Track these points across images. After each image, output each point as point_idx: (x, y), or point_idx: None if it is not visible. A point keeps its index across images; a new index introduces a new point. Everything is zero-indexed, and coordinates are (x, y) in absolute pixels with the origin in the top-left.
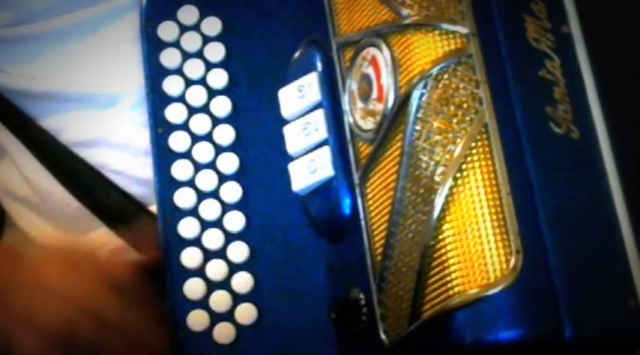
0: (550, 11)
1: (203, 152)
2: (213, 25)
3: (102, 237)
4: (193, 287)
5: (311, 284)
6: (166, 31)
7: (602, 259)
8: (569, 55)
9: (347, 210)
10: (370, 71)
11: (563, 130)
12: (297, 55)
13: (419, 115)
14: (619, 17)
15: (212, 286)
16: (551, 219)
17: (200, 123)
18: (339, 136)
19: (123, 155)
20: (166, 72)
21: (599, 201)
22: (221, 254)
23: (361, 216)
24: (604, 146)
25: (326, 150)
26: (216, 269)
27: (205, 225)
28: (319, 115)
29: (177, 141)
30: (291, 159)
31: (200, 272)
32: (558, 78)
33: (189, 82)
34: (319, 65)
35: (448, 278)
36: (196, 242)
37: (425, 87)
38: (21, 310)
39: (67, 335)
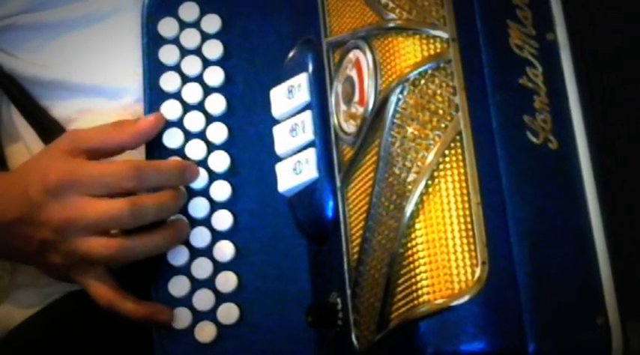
0: (536, 18)
1: (195, 150)
2: (212, 23)
3: None
4: (178, 285)
5: (294, 286)
6: (166, 27)
7: (572, 274)
8: (553, 63)
9: (329, 213)
10: (354, 74)
11: (541, 140)
12: (291, 54)
13: (395, 120)
14: (607, 26)
15: (196, 284)
16: (522, 231)
17: (194, 121)
18: (325, 138)
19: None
20: (164, 68)
21: (573, 214)
22: (207, 252)
23: (341, 219)
24: (583, 158)
25: (311, 152)
26: (201, 268)
27: (193, 223)
28: (307, 117)
29: (171, 138)
30: (280, 159)
31: (185, 270)
32: (539, 86)
33: (185, 79)
34: (310, 66)
35: (415, 288)
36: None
37: (402, 91)
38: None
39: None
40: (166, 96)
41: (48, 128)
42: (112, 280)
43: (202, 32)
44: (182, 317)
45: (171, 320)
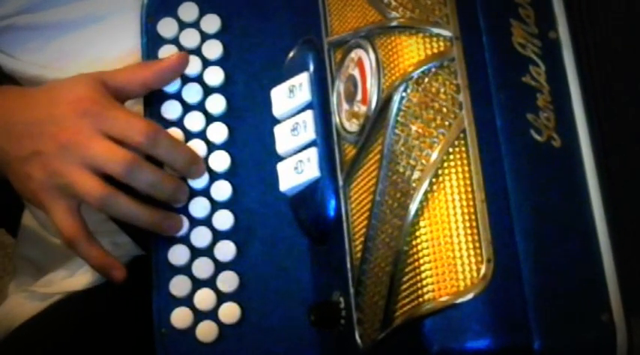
0: (538, 16)
1: (196, 149)
2: (212, 23)
3: None
4: (179, 285)
5: (295, 285)
6: (166, 27)
7: (576, 271)
8: (556, 61)
9: (331, 212)
10: (356, 73)
11: (544, 138)
12: (291, 54)
13: (399, 119)
14: (609, 24)
15: (198, 284)
16: (526, 229)
17: (194, 121)
18: (326, 137)
19: None
20: None
21: (577, 211)
22: (208, 252)
23: (344, 218)
24: (586, 156)
25: (313, 151)
26: (202, 268)
27: (194, 223)
28: (308, 116)
29: None
30: (281, 159)
31: (186, 270)
32: (542, 84)
33: (185, 79)
34: (311, 65)
35: (419, 285)
36: (184, 240)
37: (406, 90)
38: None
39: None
40: (166, 96)
41: None
42: (82, 218)
43: (202, 32)
44: (183, 317)
45: (122, 280)
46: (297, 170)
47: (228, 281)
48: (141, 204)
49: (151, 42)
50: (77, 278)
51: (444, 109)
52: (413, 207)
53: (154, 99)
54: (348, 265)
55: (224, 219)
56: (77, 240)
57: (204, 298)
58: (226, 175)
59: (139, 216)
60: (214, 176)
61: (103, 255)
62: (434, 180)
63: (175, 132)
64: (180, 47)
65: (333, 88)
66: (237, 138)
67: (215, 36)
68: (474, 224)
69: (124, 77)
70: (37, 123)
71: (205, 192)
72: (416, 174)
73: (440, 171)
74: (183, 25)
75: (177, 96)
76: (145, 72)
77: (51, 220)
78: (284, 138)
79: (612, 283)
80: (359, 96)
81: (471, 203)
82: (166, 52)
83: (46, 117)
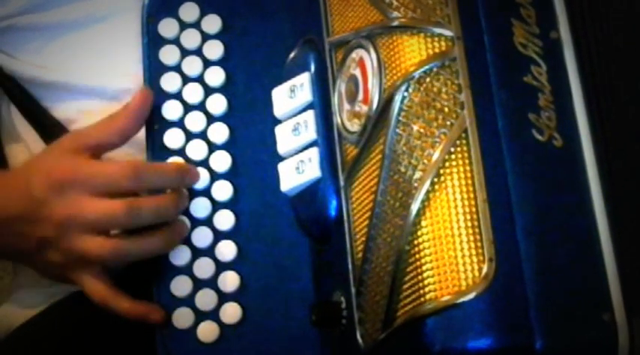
0: (539, 16)
1: (196, 150)
2: (213, 23)
3: None
4: (180, 285)
5: (296, 285)
6: (167, 27)
7: (578, 271)
8: (557, 61)
9: (333, 212)
10: (357, 73)
11: (546, 138)
12: (292, 54)
13: (400, 118)
14: (610, 23)
15: (199, 284)
16: (528, 228)
17: (195, 121)
18: (328, 137)
19: (128, 149)
20: (165, 68)
21: (578, 211)
22: (209, 252)
23: (345, 218)
24: (588, 155)
25: (314, 151)
26: (203, 268)
27: (195, 223)
28: (309, 116)
29: (172, 138)
30: (282, 159)
31: (187, 270)
32: (544, 84)
33: (186, 79)
34: (312, 65)
35: (421, 285)
36: (185, 240)
37: (407, 89)
38: (64, 214)
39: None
40: (167, 96)
41: (50, 129)
42: (107, 278)
43: (203, 32)
44: (184, 317)
45: (163, 320)
46: (298, 170)
47: (229, 281)
48: (148, 237)
49: (152, 42)
50: None
51: (446, 109)
52: (414, 207)
53: (155, 99)
54: (350, 265)
55: (225, 219)
56: (108, 302)
57: (205, 298)
58: (227, 175)
59: (152, 249)
60: (215, 176)
61: (135, 307)
62: (435, 179)
63: (176, 132)
64: (181, 47)
65: (334, 88)
66: (238, 138)
67: (216, 36)
68: (476, 223)
69: (100, 132)
70: (28, 213)
71: (206, 193)
72: (417, 174)
73: (441, 171)
74: (184, 26)
75: (178, 96)
76: (118, 121)
77: (83, 291)
78: (285, 139)
79: (614, 283)
80: (360, 96)
81: (473, 202)
82: (167, 52)
83: (30, 205)
